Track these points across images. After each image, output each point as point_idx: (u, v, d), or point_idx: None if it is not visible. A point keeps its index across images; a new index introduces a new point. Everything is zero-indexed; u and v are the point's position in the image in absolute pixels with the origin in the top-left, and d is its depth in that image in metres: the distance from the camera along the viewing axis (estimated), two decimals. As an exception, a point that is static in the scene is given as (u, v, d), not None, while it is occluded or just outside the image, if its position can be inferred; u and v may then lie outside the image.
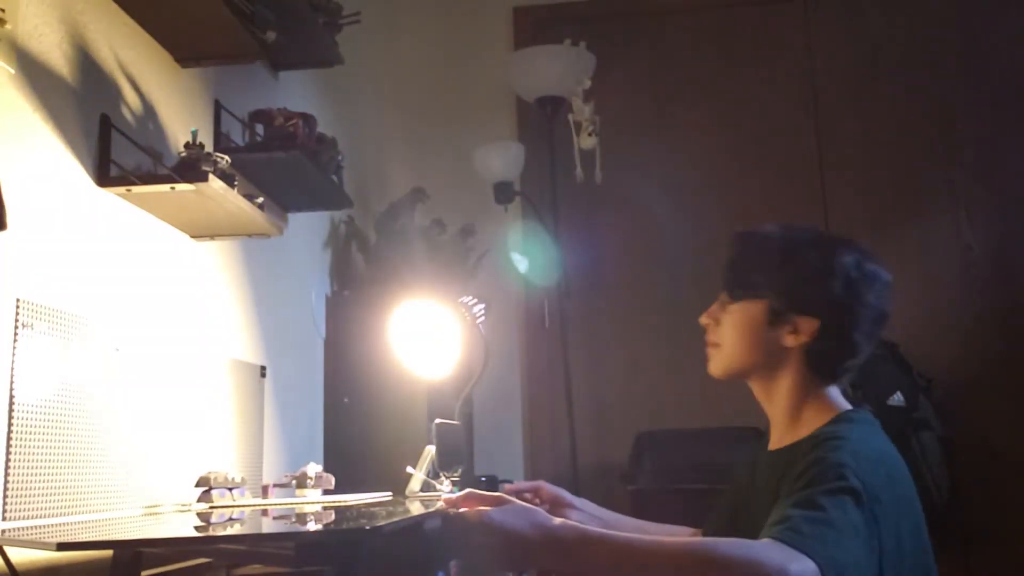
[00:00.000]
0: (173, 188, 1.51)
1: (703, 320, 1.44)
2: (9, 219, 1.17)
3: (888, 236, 3.08)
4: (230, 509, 1.52)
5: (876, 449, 1.28)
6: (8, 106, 1.32)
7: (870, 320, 1.36)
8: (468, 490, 1.17)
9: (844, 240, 1.41)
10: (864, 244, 1.42)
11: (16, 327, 1.27)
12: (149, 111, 1.69)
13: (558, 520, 1.13)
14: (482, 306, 1.91)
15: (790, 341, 1.35)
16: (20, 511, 1.24)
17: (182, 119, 1.80)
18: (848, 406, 1.37)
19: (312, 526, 1.20)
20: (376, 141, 3.16)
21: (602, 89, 2.94)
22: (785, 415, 1.38)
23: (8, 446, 1.23)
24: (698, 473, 2.60)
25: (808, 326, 1.34)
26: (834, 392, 1.37)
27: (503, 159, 2.88)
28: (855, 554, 1.13)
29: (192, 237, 1.80)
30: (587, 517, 1.51)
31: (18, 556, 1.13)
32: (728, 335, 1.40)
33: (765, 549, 1.08)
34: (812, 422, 1.33)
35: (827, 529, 1.11)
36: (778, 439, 1.39)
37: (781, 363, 1.36)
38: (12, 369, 1.26)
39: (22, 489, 1.25)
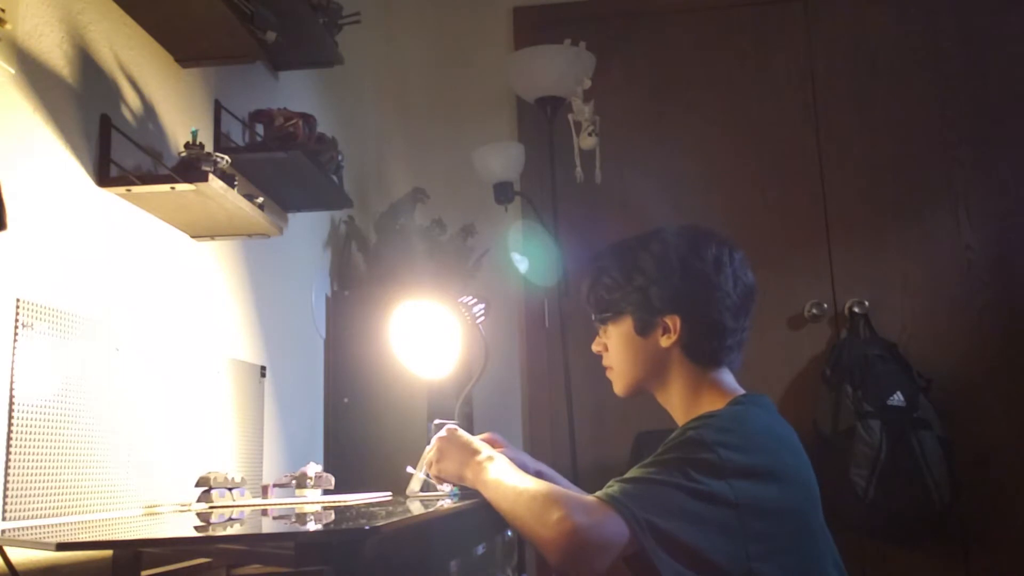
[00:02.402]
0: (173, 188, 1.51)
1: (595, 348, 1.53)
2: (9, 219, 1.17)
3: (888, 236, 3.08)
4: (230, 509, 1.52)
5: (758, 427, 1.31)
6: (8, 106, 1.32)
7: (729, 297, 1.40)
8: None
9: (678, 231, 1.46)
10: (700, 225, 1.47)
11: (16, 327, 1.27)
12: (149, 111, 1.69)
13: (491, 451, 1.42)
14: (482, 306, 1.91)
15: (665, 342, 1.41)
16: (20, 511, 1.24)
17: (182, 119, 1.80)
18: (741, 391, 1.41)
19: (312, 526, 1.20)
20: (376, 141, 3.16)
21: (602, 89, 2.94)
22: (685, 412, 1.42)
23: (8, 446, 1.23)
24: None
25: (673, 322, 1.40)
26: (727, 379, 1.42)
27: (503, 159, 2.87)
28: (693, 517, 1.18)
29: (192, 237, 1.80)
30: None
31: (18, 556, 1.13)
32: (615, 357, 1.48)
33: (580, 504, 1.20)
34: (708, 409, 1.37)
35: (649, 488, 1.20)
36: None
37: (667, 365, 1.43)
38: (12, 369, 1.26)
39: (22, 489, 1.25)
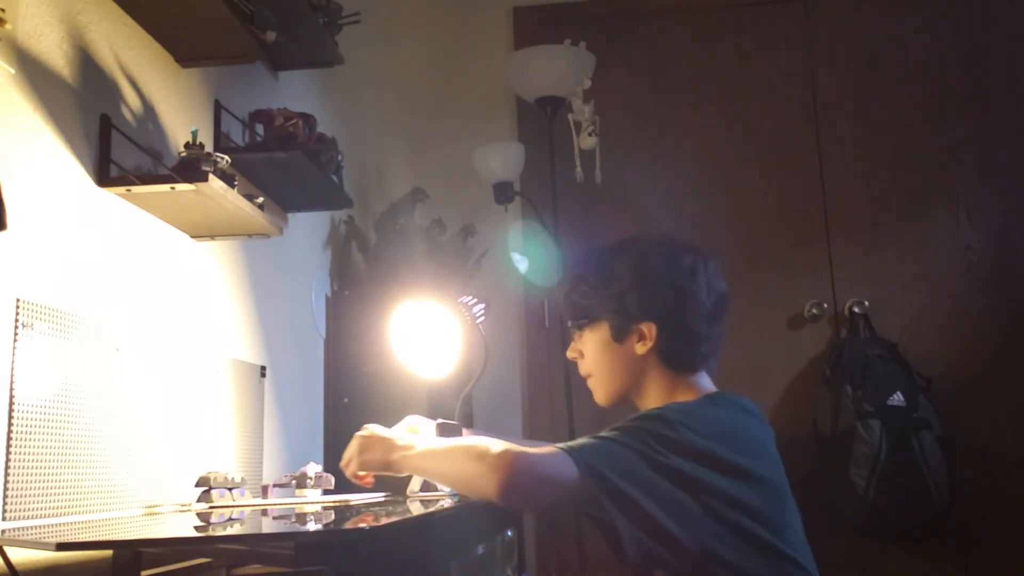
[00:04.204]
0: (173, 188, 1.51)
1: (570, 355, 1.55)
2: (9, 219, 1.17)
3: (888, 236, 3.08)
4: (230, 509, 1.52)
5: (718, 418, 1.34)
6: (8, 106, 1.32)
7: (703, 305, 1.43)
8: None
9: (653, 241, 1.49)
10: (675, 236, 1.51)
11: (16, 327, 1.27)
12: (149, 111, 1.69)
13: (411, 436, 1.45)
14: (482, 306, 1.91)
15: (641, 349, 1.44)
16: (20, 511, 1.24)
17: (182, 119, 1.80)
18: (713, 389, 1.45)
19: (312, 526, 1.20)
20: (376, 141, 3.16)
21: (602, 89, 2.94)
22: None
23: (8, 446, 1.23)
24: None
25: (649, 330, 1.43)
26: (702, 380, 1.45)
27: (503, 159, 2.87)
28: (650, 486, 1.21)
29: (192, 237, 1.80)
30: None
31: (18, 556, 1.13)
32: (592, 363, 1.51)
33: (526, 444, 1.25)
34: None
35: (609, 445, 1.23)
36: None
37: (644, 371, 1.45)
38: (12, 369, 1.26)
39: (22, 489, 1.25)
